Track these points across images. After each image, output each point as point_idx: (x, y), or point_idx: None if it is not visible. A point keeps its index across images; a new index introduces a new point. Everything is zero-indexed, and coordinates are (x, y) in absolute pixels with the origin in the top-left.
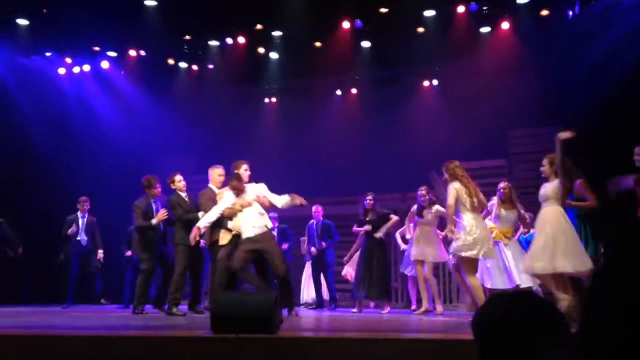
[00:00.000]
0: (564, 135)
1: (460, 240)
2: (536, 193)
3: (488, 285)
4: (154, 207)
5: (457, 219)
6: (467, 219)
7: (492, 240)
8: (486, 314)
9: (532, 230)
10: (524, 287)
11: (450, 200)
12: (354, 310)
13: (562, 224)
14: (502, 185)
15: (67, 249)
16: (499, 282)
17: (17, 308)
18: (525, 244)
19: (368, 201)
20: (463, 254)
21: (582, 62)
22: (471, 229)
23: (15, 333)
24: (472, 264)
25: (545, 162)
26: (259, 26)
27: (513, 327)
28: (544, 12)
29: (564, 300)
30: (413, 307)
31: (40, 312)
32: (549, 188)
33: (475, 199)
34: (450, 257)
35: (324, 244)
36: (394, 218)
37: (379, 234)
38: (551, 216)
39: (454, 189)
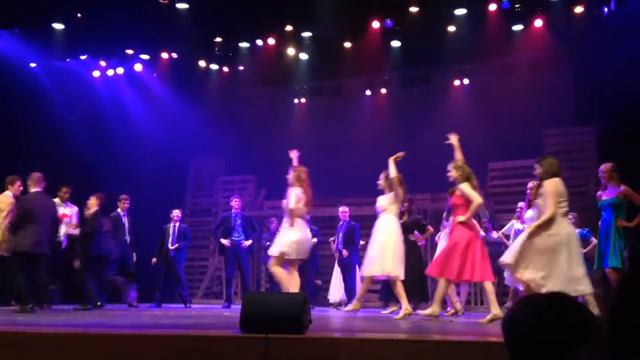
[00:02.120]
0: (395, 157)
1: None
2: (571, 193)
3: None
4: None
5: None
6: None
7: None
8: (517, 315)
9: (576, 230)
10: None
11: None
12: (385, 312)
13: (394, 233)
14: (529, 185)
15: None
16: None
17: (54, 306)
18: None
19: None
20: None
21: (618, 59)
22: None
23: (49, 331)
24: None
25: (382, 176)
26: (289, 27)
27: (542, 329)
28: (579, 9)
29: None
30: (448, 308)
31: (71, 310)
32: (384, 199)
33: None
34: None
35: (344, 252)
36: (430, 230)
37: (412, 237)
38: (385, 226)
39: (295, 194)
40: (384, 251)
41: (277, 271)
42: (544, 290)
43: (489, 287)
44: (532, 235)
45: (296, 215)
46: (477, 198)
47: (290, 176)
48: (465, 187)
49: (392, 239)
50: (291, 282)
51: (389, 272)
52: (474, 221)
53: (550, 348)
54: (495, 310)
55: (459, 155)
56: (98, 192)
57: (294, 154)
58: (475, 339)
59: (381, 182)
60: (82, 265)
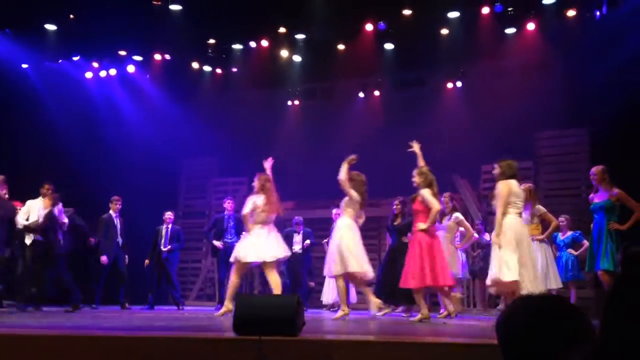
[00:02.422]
0: (349, 160)
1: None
2: (563, 195)
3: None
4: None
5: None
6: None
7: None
8: (511, 316)
9: (568, 233)
10: (553, 289)
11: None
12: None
13: (352, 233)
14: (521, 187)
15: (104, 248)
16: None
17: (47, 308)
18: (562, 246)
19: (395, 206)
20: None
21: (610, 63)
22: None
23: (42, 333)
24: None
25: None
26: (282, 29)
27: (536, 330)
28: (571, 13)
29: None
30: (441, 310)
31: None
32: (344, 202)
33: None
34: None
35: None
36: None
37: (406, 239)
38: (343, 226)
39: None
40: (341, 252)
41: (272, 276)
42: (348, 271)
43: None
44: (496, 243)
45: (255, 222)
46: (435, 205)
47: (255, 184)
48: (425, 193)
49: (346, 240)
50: (278, 286)
51: (355, 270)
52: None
53: (544, 350)
54: (424, 310)
55: (421, 162)
56: (54, 192)
57: (267, 164)
58: (469, 341)
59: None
60: (47, 265)
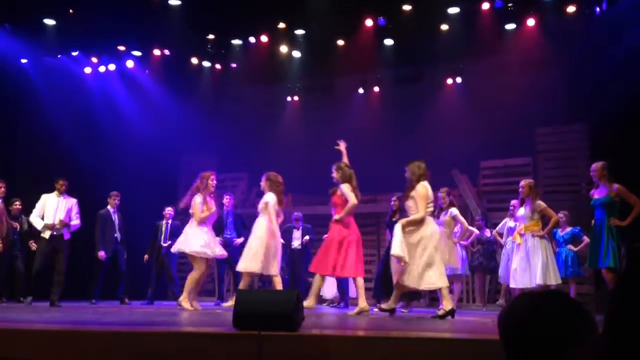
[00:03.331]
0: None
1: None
2: (563, 191)
3: (512, 286)
4: None
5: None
6: None
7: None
8: (514, 312)
9: (568, 229)
10: (553, 285)
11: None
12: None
13: (261, 233)
14: (521, 183)
15: (102, 244)
16: (524, 281)
17: (46, 303)
18: (562, 242)
19: (393, 202)
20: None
21: (610, 59)
22: None
23: (44, 328)
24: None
25: (263, 179)
26: (281, 25)
27: (540, 326)
28: (571, 9)
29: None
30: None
31: (67, 307)
32: (261, 201)
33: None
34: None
35: None
36: None
37: None
38: (260, 226)
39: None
40: (251, 249)
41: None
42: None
43: (360, 282)
44: (402, 229)
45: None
46: (352, 199)
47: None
48: (345, 188)
49: (258, 239)
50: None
51: (254, 269)
52: (352, 219)
53: (547, 346)
54: (362, 303)
55: (345, 159)
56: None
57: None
58: (468, 337)
59: (263, 184)
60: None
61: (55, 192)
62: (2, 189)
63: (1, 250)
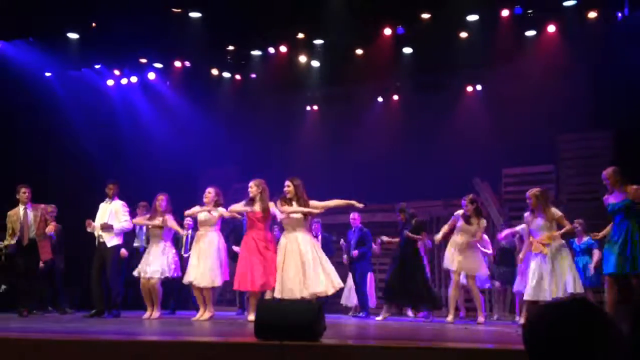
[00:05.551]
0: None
1: None
2: (586, 199)
3: (536, 298)
4: None
5: None
6: None
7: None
8: (537, 322)
9: (585, 238)
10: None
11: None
12: (378, 317)
13: (213, 246)
14: (527, 194)
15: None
16: (550, 291)
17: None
18: (578, 251)
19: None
20: None
21: (633, 64)
22: None
23: (55, 338)
24: None
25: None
26: (300, 35)
27: (566, 335)
28: (592, 15)
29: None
30: (460, 314)
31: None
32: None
33: None
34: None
35: (354, 253)
36: (423, 236)
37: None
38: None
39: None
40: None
41: None
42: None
43: (269, 295)
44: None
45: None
46: (279, 215)
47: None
48: (271, 205)
49: (210, 252)
50: None
51: (206, 283)
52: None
53: (572, 356)
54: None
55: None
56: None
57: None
58: (493, 347)
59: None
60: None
61: (107, 199)
62: (27, 194)
63: (54, 229)
